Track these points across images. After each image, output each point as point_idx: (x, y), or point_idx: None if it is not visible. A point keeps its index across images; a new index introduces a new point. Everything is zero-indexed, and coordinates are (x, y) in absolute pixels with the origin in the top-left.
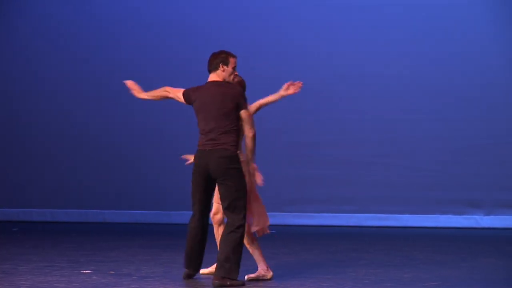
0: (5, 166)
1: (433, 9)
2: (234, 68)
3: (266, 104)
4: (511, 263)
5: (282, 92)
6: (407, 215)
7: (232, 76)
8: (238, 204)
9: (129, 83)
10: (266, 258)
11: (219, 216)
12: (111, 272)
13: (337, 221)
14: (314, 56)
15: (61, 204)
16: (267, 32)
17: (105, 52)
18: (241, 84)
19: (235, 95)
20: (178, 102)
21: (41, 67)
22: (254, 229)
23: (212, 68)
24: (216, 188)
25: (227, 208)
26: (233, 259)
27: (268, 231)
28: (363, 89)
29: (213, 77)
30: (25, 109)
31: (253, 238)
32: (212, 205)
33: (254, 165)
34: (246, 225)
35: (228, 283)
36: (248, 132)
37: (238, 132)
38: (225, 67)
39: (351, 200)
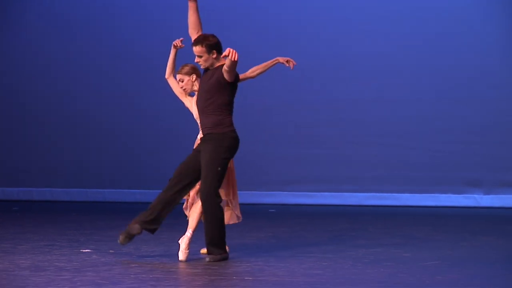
0: (5, 145)
1: None
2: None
3: (260, 70)
4: (511, 242)
5: (280, 58)
6: (407, 194)
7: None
8: None
9: None
10: (264, 238)
11: None
12: (110, 251)
13: (336, 200)
14: (313, 36)
15: (61, 183)
16: (261, 12)
17: (104, 37)
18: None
19: None
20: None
21: (42, 52)
22: None
23: None
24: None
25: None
26: None
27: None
28: (362, 68)
29: None
30: (25, 90)
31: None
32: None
33: None
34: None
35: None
36: None
37: None
38: None
39: (350, 179)
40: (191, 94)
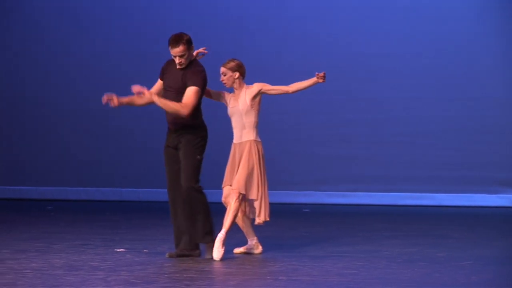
0: (40, 145)
1: None
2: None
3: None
4: None
5: (317, 78)
6: (442, 194)
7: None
8: None
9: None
10: (298, 237)
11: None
12: (145, 250)
13: (370, 200)
14: (347, 37)
15: (96, 182)
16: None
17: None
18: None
19: None
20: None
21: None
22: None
23: None
24: (230, 170)
25: None
26: None
27: None
28: (396, 68)
29: None
30: (56, 89)
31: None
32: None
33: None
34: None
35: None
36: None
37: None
38: None
39: (384, 179)
40: (230, 90)
